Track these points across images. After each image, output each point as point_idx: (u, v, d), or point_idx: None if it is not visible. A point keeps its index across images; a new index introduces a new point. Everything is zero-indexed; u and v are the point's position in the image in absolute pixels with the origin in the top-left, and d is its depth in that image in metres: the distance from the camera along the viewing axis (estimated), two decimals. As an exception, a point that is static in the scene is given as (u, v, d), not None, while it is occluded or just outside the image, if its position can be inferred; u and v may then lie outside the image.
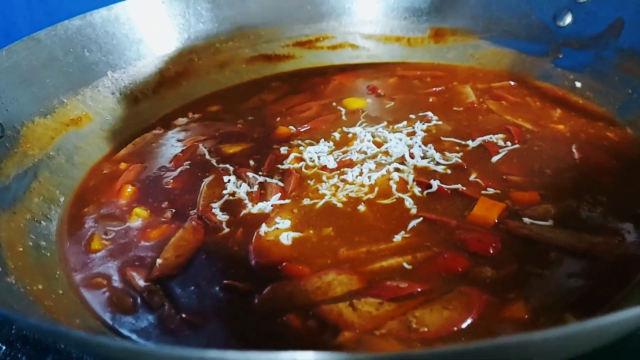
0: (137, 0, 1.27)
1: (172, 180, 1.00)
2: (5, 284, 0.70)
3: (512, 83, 1.23)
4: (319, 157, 1.00)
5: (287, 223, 0.85)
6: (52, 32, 1.11)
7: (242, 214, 0.88)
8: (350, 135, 1.07)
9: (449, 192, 0.87)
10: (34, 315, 0.66)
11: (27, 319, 0.61)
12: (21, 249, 0.81)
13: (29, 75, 1.04)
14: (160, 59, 1.30)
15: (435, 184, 0.88)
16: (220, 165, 1.02)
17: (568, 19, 1.21)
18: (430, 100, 1.19)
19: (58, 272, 0.81)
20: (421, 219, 0.83)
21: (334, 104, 1.21)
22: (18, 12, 1.49)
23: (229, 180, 0.95)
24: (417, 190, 0.88)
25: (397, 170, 0.93)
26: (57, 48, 1.11)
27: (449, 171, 0.92)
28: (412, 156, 0.96)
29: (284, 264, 0.77)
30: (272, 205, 0.89)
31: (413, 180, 0.90)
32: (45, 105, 1.05)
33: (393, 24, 1.44)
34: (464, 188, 0.88)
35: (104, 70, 1.20)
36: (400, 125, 1.08)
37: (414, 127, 1.06)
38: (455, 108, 1.14)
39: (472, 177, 0.91)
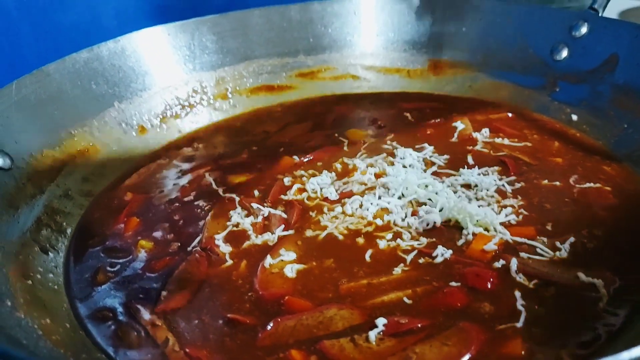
0: (143, 32, 1.30)
1: (176, 211, 1.02)
2: (15, 318, 0.72)
3: (510, 115, 1.25)
4: (321, 189, 1.02)
5: (292, 255, 0.86)
6: (61, 65, 1.14)
7: (246, 245, 0.90)
8: (351, 166, 1.09)
9: (444, 227, 0.89)
10: (42, 351, 0.68)
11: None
12: (29, 282, 0.82)
13: (38, 108, 1.06)
14: (165, 89, 1.32)
15: (432, 220, 0.90)
16: (227, 195, 1.03)
17: (564, 53, 1.24)
18: (429, 132, 1.21)
19: (65, 306, 0.82)
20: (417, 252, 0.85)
21: (336, 135, 1.24)
22: (25, 44, 1.52)
23: (234, 211, 0.97)
24: (415, 223, 0.90)
25: (396, 202, 0.95)
26: (66, 81, 1.14)
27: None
28: (409, 189, 0.98)
29: (287, 297, 0.78)
30: (276, 237, 0.91)
31: (411, 214, 0.92)
32: (54, 137, 1.08)
33: (393, 56, 1.48)
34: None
35: (110, 101, 1.22)
36: (398, 157, 1.10)
37: (411, 159, 1.08)
38: (452, 140, 1.17)
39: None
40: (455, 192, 0.96)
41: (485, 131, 1.17)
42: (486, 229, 0.87)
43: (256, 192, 1.04)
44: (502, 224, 0.88)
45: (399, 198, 0.96)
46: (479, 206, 0.92)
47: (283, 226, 0.93)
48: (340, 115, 1.35)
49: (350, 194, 1.00)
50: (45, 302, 0.81)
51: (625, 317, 0.72)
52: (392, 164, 1.07)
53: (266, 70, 1.45)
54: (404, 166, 1.06)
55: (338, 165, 1.09)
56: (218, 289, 0.82)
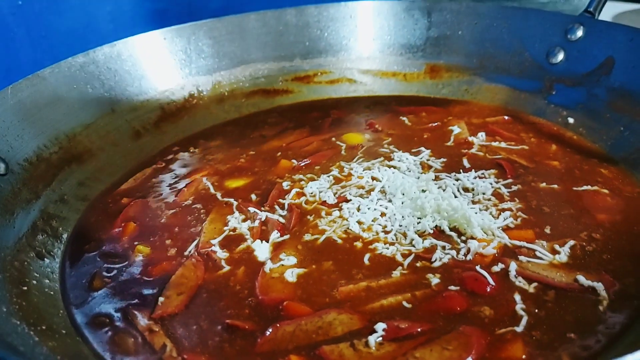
0: (139, 36, 1.30)
1: (173, 216, 1.01)
2: (11, 325, 0.71)
3: (507, 118, 1.26)
4: (319, 192, 1.01)
5: (292, 260, 0.86)
6: (56, 69, 1.13)
7: (243, 250, 0.90)
8: (348, 170, 1.09)
9: (441, 231, 0.89)
10: (40, 358, 0.67)
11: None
12: (25, 288, 0.82)
13: (33, 113, 1.05)
14: (161, 94, 1.32)
15: (429, 225, 0.89)
16: (225, 199, 1.03)
17: (560, 57, 1.24)
18: (425, 136, 1.21)
19: (61, 312, 0.81)
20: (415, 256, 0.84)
21: (334, 139, 1.23)
22: (21, 49, 1.51)
23: (231, 216, 0.97)
24: (412, 227, 0.90)
25: (393, 206, 0.94)
26: (61, 85, 1.13)
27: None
28: (406, 193, 0.97)
29: (286, 302, 0.78)
30: (273, 242, 0.90)
31: (410, 215, 0.92)
32: (49, 141, 1.07)
33: (390, 59, 1.48)
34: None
35: (106, 105, 1.22)
36: (396, 161, 1.10)
37: (408, 163, 1.08)
38: (449, 143, 1.17)
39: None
40: (453, 197, 0.96)
41: (482, 135, 1.17)
42: (484, 233, 0.87)
43: (253, 197, 1.03)
44: (500, 227, 0.88)
45: (393, 201, 0.96)
46: (477, 210, 0.91)
47: (281, 230, 0.92)
48: (337, 119, 1.35)
49: (347, 198, 0.99)
50: (41, 308, 0.80)
51: (626, 320, 0.72)
52: (390, 167, 1.07)
53: (262, 75, 1.45)
54: (401, 170, 1.06)
55: (336, 170, 1.09)
56: (216, 294, 0.82)
